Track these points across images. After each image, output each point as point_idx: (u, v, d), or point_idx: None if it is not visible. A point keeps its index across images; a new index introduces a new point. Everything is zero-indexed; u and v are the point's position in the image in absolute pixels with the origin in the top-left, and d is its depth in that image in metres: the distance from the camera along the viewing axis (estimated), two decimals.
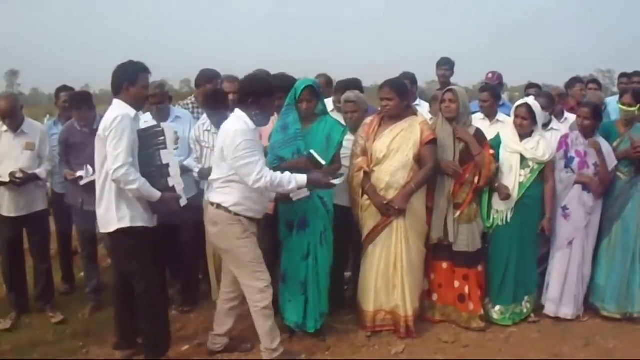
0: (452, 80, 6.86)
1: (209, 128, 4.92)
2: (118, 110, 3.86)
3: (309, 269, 4.45)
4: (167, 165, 4.03)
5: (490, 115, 5.56)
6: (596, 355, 4.49)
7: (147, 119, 5.17)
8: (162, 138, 4.02)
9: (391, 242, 4.60)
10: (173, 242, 5.18)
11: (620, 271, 4.98)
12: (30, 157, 4.96)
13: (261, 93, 4.05)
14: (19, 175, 4.79)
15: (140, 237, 3.99)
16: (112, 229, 3.96)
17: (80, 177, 4.81)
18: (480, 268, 4.86)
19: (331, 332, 4.70)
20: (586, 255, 4.99)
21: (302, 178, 3.99)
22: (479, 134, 4.85)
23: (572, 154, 4.97)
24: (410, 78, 6.20)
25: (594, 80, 7.25)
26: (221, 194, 4.04)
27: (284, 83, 4.65)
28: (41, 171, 4.97)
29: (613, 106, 5.95)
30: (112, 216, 3.92)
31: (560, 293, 4.96)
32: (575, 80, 6.70)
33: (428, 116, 5.45)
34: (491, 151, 4.78)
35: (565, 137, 5.11)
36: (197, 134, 4.98)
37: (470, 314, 4.83)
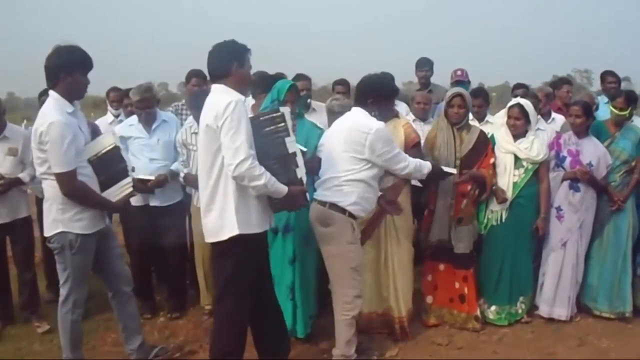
0: (432, 80, 6.83)
1: (196, 130, 4.82)
2: (228, 96, 3.38)
3: (296, 273, 4.39)
4: (294, 154, 3.58)
5: (481, 118, 5.57)
6: (591, 355, 4.48)
7: (132, 122, 5.10)
8: (283, 124, 3.53)
9: (381, 243, 4.56)
10: (159, 248, 5.08)
11: (612, 271, 4.99)
12: (13, 162, 4.84)
13: (380, 94, 4.11)
14: (0, 182, 4.67)
15: (253, 246, 3.60)
16: (226, 237, 3.48)
17: None
18: (473, 270, 4.85)
19: (324, 335, 4.59)
20: (580, 256, 4.99)
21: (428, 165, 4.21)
22: (483, 136, 4.82)
23: (564, 153, 4.97)
24: (389, 78, 6.17)
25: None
26: (338, 193, 3.92)
27: None
28: (24, 175, 4.84)
29: (602, 106, 5.95)
30: (228, 221, 3.46)
31: (554, 294, 4.95)
32: (562, 81, 6.67)
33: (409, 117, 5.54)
34: (491, 160, 4.77)
35: (557, 138, 5.13)
36: (184, 137, 4.89)
37: (467, 314, 4.82)
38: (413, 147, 4.55)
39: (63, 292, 3.88)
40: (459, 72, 6.63)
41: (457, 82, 6.45)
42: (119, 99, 6.06)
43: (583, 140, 4.96)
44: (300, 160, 3.62)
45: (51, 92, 3.72)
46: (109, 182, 3.88)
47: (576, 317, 5.03)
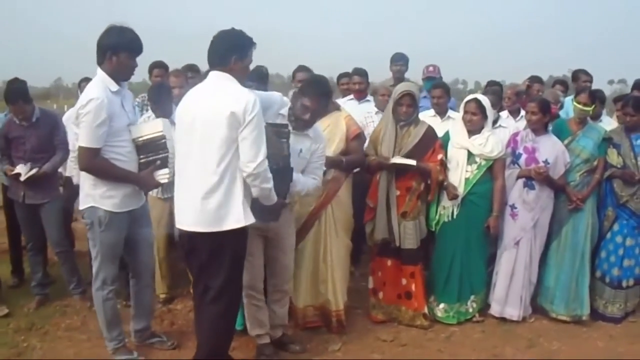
0: (406, 75, 6.71)
1: None
2: (247, 91, 3.31)
3: None
4: (292, 169, 3.62)
5: (442, 112, 5.49)
6: (539, 357, 4.39)
7: None
8: (286, 140, 3.56)
9: (320, 236, 4.51)
10: None
11: (569, 272, 4.88)
12: None
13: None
14: None
15: (246, 240, 3.56)
16: (226, 227, 3.35)
17: (19, 174, 4.78)
18: (420, 266, 4.78)
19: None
20: (533, 256, 4.88)
21: None
22: (430, 132, 4.74)
23: (520, 150, 4.87)
24: (360, 74, 6.22)
25: (562, 82, 7.05)
26: None
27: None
28: None
29: (569, 105, 5.82)
30: (229, 211, 3.34)
31: (506, 293, 4.85)
32: (533, 80, 6.53)
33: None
34: (439, 156, 4.68)
35: (514, 135, 5.02)
36: None
37: (415, 311, 4.75)
38: (354, 139, 4.51)
39: (93, 269, 3.94)
40: (430, 68, 6.52)
41: (428, 78, 6.38)
42: None
43: (541, 138, 4.84)
44: (294, 176, 3.65)
45: (98, 69, 3.75)
46: (147, 167, 3.84)
47: (530, 318, 4.93)
